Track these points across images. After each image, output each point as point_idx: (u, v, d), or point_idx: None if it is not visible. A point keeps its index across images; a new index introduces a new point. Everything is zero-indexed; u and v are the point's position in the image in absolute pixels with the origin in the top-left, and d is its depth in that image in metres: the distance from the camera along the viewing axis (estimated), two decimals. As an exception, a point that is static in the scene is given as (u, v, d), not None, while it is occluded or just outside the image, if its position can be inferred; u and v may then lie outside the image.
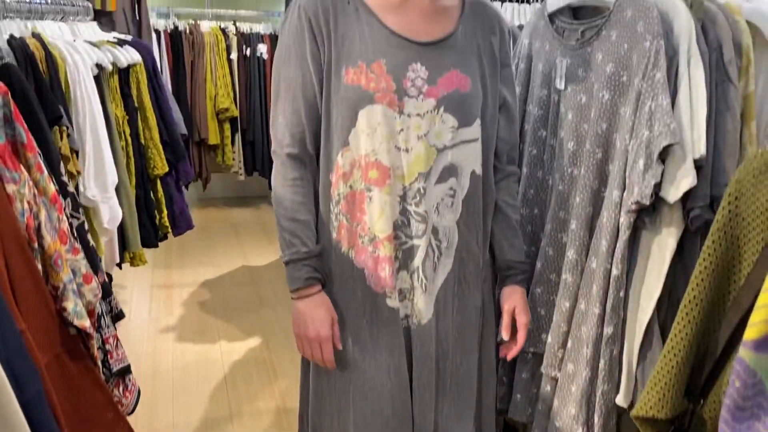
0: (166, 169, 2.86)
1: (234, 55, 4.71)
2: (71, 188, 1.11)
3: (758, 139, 1.21)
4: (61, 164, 1.06)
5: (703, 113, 1.11)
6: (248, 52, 4.75)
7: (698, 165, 1.13)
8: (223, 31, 4.71)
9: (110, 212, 2.49)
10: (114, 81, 2.65)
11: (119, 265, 2.77)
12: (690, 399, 0.95)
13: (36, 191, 0.89)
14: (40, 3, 2.51)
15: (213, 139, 4.72)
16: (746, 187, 0.88)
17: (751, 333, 0.77)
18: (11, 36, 2.24)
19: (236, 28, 4.75)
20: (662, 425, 0.96)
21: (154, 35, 4.47)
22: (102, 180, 2.45)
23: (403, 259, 1.24)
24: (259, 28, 4.83)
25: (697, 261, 0.92)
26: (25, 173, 0.88)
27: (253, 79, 4.80)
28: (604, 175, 1.30)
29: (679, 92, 1.14)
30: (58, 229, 0.92)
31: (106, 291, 1.17)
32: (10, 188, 0.85)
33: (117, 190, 2.54)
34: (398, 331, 1.27)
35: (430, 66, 1.18)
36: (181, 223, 3.04)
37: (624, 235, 1.20)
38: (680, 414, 0.96)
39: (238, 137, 4.88)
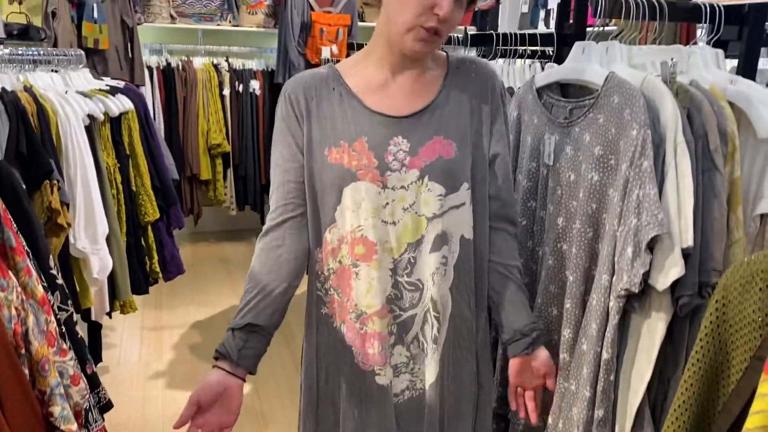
0: (157, 215, 2.86)
1: (227, 91, 4.73)
2: (60, 280, 1.10)
3: (744, 224, 1.22)
4: (51, 258, 1.05)
5: (690, 203, 1.13)
6: (241, 88, 4.77)
7: (686, 254, 1.14)
8: (216, 67, 4.73)
9: (100, 263, 2.49)
10: (106, 129, 2.65)
11: (109, 314, 2.76)
12: (681, 502, 0.95)
13: (24, 296, 0.89)
14: (33, 54, 2.52)
15: (205, 174, 4.72)
16: (733, 294, 0.89)
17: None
18: (3, 90, 2.24)
19: (229, 65, 4.77)
20: None
21: (146, 72, 4.49)
22: (92, 231, 2.45)
23: (398, 333, 1.25)
24: (252, 64, 4.85)
25: (687, 365, 0.93)
26: (13, 279, 0.88)
27: (246, 114, 4.81)
28: (595, 255, 1.30)
29: (666, 181, 1.15)
30: (46, 332, 0.92)
31: (94, 383, 1.16)
32: (-2, 295, 0.85)
33: (108, 239, 2.54)
34: (389, 409, 1.26)
35: (411, 137, 1.20)
36: (171, 269, 3.03)
37: (614, 319, 1.20)
38: None
39: (230, 172, 4.89)
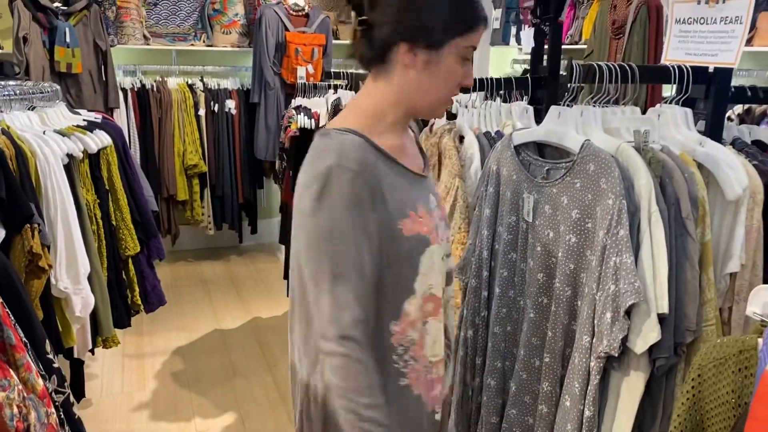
0: (138, 248, 2.86)
1: (202, 111, 4.72)
2: (56, 364, 1.12)
3: (715, 284, 1.28)
4: (47, 342, 1.07)
5: (664, 270, 1.18)
6: (216, 108, 4.76)
7: (662, 318, 1.19)
8: (191, 87, 4.72)
9: (82, 302, 2.48)
10: (84, 166, 2.65)
11: (92, 351, 2.75)
12: None
13: (25, 392, 0.91)
14: (10, 95, 2.50)
15: (182, 195, 4.72)
16: (708, 375, 0.94)
17: None
18: (-20, 134, 2.23)
19: (204, 84, 4.76)
20: None
21: (120, 94, 4.47)
22: (74, 271, 2.44)
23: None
24: (227, 83, 4.85)
25: (665, 438, 0.98)
26: (15, 377, 0.90)
27: (222, 134, 4.81)
28: (573, 312, 1.36)
29: (641, 249, 1.20)
30: (47, 424, 0.94)
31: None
32: (0, 396, 0.86)
33: (89, 277, 2.53)
34: None
35: (435, 194, 1.27)
36: (153, 300, 3.03)
37: (595, 379, 1.26)
38: None
39: (206, 192, 4.88)
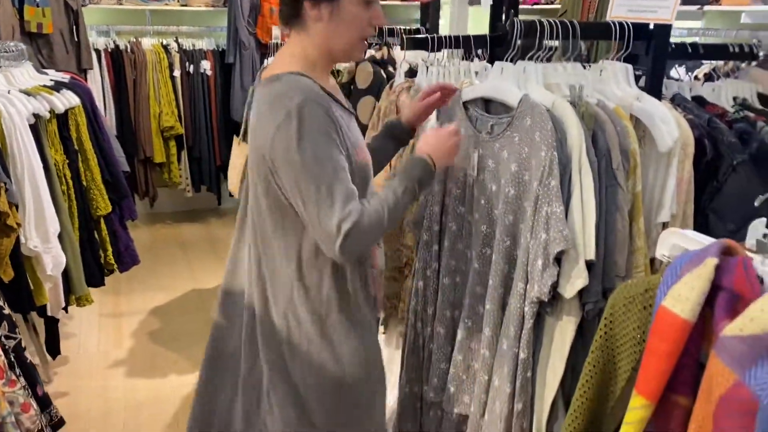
0: (109, 209, 2.88)
1: (177, 73, 4.69)
2: (6, 310, 1.16)
3: (646, 233, 1.34)
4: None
5: (592, 219, 1.24)
6: (191, 69, 4.74)
7: (590, 264, 1.25)
8: (165, 48, 4.68)
9: (53, 260, 2.52)
10: (53, 126, 2.65)
11: (65, 309, 2.80)
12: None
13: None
14: (-27, 54, 2.49)
15: (158, 157, 4.72)
16: (618, 313, 1.00)
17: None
18: (-56, 95, 2.23)
19: (179, 45, 4.73)
20: None
21: (94, 55, 4.43)
22: (43, 230, 2.47)
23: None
24: (202, 44, 4.81)
25: (582, 373, 1.05)
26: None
27: (197, 95, 4.79)
28: (513, 261, 1.41)
29: (572, 199, 1.25)
30: (-4, 366, 0.99)
31: (45, 403, 1.23)
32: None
33: (60, 235, 2.57)
34: None
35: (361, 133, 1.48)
36: (126, 260, 3.07)
37: (528, 323, 1.32)
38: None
39: (184, 154, 4.88)
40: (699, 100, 1.57)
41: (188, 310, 3.66)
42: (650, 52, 1.47)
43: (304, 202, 1.26)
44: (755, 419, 0.75)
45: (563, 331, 1.32)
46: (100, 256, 2.91)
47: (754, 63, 1.82)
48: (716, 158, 1.40)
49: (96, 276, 2.89)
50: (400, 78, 2.12)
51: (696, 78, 2.46)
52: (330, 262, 1.36)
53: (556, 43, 1.57)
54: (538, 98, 1.34)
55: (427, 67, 2.00)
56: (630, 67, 1.48)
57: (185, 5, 4.80)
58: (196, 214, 5.31)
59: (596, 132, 1.29)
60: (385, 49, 2.67)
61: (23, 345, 1.20)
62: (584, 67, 1.49)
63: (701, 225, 1.42)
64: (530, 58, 1.45)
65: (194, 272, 4.18)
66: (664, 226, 1.40)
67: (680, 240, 0.98)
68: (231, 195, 5.24)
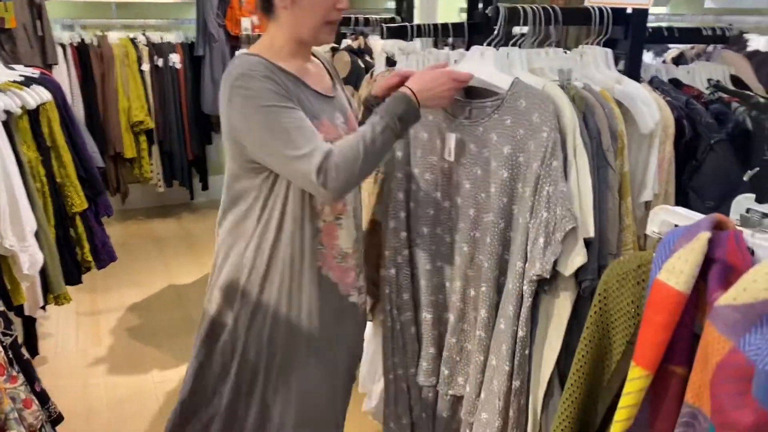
0: (85, 205, 2.84)
1: (146, 66, 4.63)
2: (1, 307, 1.15)
3: (633, 212, 1.38)
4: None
5: (589, 198, 1.27)
6: (160, 63, 4.67)
7: (587, 242, 1.29)
8: (133, 41, 4.61)
9: (30, 259, 2.48)
10: (24, 122, 2.60)
11: (43, 308, 2.76)
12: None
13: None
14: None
15: (129, 152, 4.65)
16: (612, 288, 1.04)
17: (616, 427, 0.93)
18: None
19: (146, 38, 4.66)
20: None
21: (59, 50, 4.33)
22: (19, 229, 2.43)
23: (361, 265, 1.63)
24: (170, 37, 4.75)
25: (577, 349, 1.08)
26: (-39, 317, 0.93)
27: (167, 89, 4.73)
28: (507, 242, 1.44)
29: (568, 179, 1.29)
30: (-3, 363, 0.98)
31: (44, 399, 1.22)
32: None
33: (36, 234, 2.52)
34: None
35: (343, 113, 1.55)
36: (103, 257, 3.03)
37: (527, 302, 1.35)
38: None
39: (155, 149, 4.82)
40: (675, 83, 1.62)
41: (166, 305, 3.64)
42: (629, 36, 1.51)
43: (276, 160, 1.37)
44: (751, 384, 0.78)
45: (560, 309, 1.35)
46: (76, 253, 2.87)
47: (721, 46, 1.87)
48: (694, 138, 1.45)
49: (73, 274, 2.85)
50: (381, 67, 2.13)
51: (664, 62, 2.52)
52: (271, 237, 1.46)
53: (524, 29, 1.60)
54: (528, 82, 1.37)
55: (407, 55, 2.01)
56: (609, 51, 1.52)
57: (152, -2, 4.74)
58: (169, 209, 5.26)
59: (586, 114, 1.32)
60: (361, 38, 2.68)
61: (19, 342, 1.19)
62: (565, 53, 1.52)
63: (681, 203, 1.46)
64: (513, 44, 1.47)
65: (169, 268, 4.14)
66: (647, 205, 1.44)
67: (670, 216, 1.01)
68: (204, 189, 5.21)
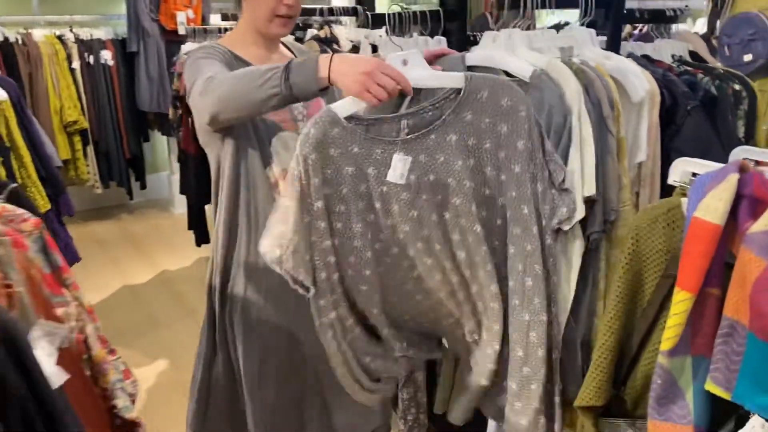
0: (49, 206, 2.78)
1: (76, 64, 4.48)
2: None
3: (628, 172, 1.56)
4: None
5: (591, 160, 1.43)
6: (91, 60, 4.54)
7: (592, 200, 1.45)
8: (60, 38, 4.46)
9: None
10: (-19, 122, 2.52)
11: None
12: (615, 387, 1.28)
13: (78, 308, 0.98)
14: None
15: (63, 153, 4.49)
16: (643, 232, 1.21)
17: (665, 345, 1.10)
18: None
19: (75, 35, 4.51)
20: (597, 410, 1.29)
21: (-19, 49, 4.14)
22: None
23: None
24: (100, 33, 4.62)
25: (612, 288, 1.25)
26: (68, 293, 0.97)
27: (100, 87, 4.61)
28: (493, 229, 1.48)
29: (572, 143, 1.44)
30: (99, 337, 1.02)
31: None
32: (60, 311, 0.94)
33: None
34: None
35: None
36: (67, 258, 2.95)
37: (551, 248, 1.46)
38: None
39: (90, 149, 4.68)
40: (647, 58, 1.82)
41: (125, 307, 3.58)
42: (610, 17, 1.69)
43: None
44: (786, 291, 0.97)
45: (573, 259, 1.50)
46: (42, 255, 2.80)
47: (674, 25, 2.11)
48: (673, 105, 1.65)
49: (40, 277, 2.77)
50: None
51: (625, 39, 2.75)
52: (223, 222, 1.62)
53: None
54: (534, 60, 1.52)
55: (390, 41, 2.12)
56: (593, 31, 1.69)
57: (77, -7, 4.58)
58: (107, 210, 5.12)
59: (587, 87, 1.48)
60: (326, 28, 2.76)
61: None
62: (556, 33, 1.69)
63: (664, 163, 1.66)
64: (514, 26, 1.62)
65: (120, 269, 4.06)
66: (639, 166, 1.64)
67: (690, 166, 1.19)
68: (142, 188, 5.10)
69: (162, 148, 5.25)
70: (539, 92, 1.50)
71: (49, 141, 2.97)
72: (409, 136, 1.38)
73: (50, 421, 0.78)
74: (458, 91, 1.37)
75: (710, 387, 1.07)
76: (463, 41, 2.12)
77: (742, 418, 1.08)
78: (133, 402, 1.11)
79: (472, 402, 1.73)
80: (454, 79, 1.38)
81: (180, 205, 5.05)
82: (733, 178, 1.05)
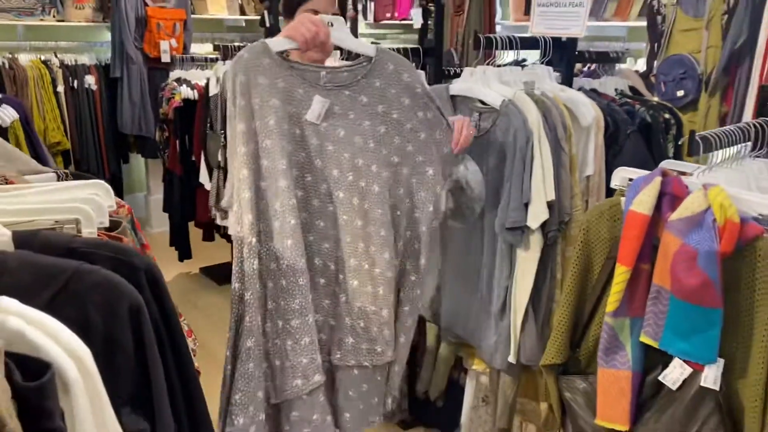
0: (53, 219, 2.97)
1: (61, 88, 4.69)
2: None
3: (579, 183, 1.92)
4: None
5: (550, 174, 1.78)
6: (75, 84, 4.75)
7: (551, 205, 1.80)
8: (46, 63, 4.66)
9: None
10: (-5, 140, 2.72)
11: None
12: (571, 349, 1.61)
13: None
14: None
15: (46, 173, 4.66)
16: (592, 223, 1.55)
17: (609, 308, 1.43)
18: None
19: (60, 60, 4.72)
20: (556, 368, 1.61)
21: (-31, 73, 4.31)
22: None
23: None
24: (84, 59, 4.84)
25: (568, 269, 1.58)
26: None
27: (83, 110, 4.81)
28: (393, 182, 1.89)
29: (534, 159, 1.79)
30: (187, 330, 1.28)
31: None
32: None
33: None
34: None
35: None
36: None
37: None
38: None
39: (71, 169, 4.86)
40: (595, 91, 2.20)
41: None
42: (564, 57, 2.07)
43: None
44: (696, 261, 1.31)
45: (530, 256, 1.85)
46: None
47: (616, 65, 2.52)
48: (615, 130, 2.02)
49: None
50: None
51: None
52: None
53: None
54: (503, 92, 1.87)
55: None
56: (551, 68, 2.07)
57: (62, 20, 4.80)
58: (85, 229, 5.26)
59: (546, 114, 1.84)
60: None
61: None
62: (521, 69, 2.05)
63: (608, 178, 2.03)
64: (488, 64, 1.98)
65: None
66: (587, 179, 2.00)
67: (627, 174, 1.55)
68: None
69: (140, 169, 5.46)
70: (507, 118, 1.85)
71: (52, 159, 3.18)
72: (327, 86, 1.55)
73: (176, 355, 1.07)
74: (370, 59, 1.58)
75: (644, 339, 1.40)
76: (439, 74, 2.47)
77: (667, 364, 1.42)
78: (194, 356, 1.37)
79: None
80: (367, 48, 1.59)
81: (157, 224, 5.26)
82: (658, 180, 1.41)
